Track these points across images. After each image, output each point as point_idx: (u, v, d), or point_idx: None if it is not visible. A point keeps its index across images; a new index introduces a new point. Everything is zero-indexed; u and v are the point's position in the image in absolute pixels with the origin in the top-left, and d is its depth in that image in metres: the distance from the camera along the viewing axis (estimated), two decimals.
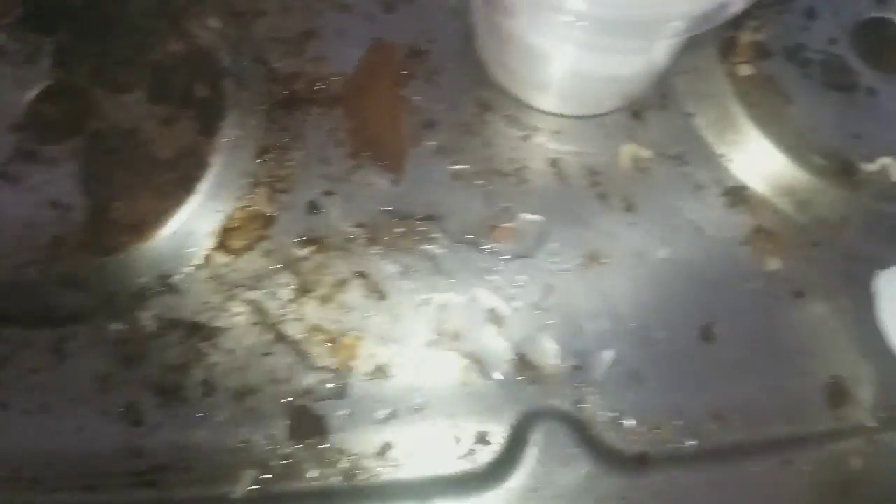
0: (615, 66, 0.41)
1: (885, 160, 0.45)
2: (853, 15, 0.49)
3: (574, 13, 0.33)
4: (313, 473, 0.39)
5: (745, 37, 0.47)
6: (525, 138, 0.46)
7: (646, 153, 0.46)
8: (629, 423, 0.40)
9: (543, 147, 0.45)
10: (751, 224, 0.44)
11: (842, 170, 0.45)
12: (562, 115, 0.46)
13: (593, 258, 0.43)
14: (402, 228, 0.43)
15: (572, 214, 0.44)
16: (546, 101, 0.46)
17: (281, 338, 0.41)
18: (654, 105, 0.47)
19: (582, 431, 0.40)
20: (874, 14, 0.49)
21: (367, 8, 0.48)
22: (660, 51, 0.41)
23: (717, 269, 0.43)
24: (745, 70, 0.47)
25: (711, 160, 0.46)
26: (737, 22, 0.45)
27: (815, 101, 0.46)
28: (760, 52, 0.47)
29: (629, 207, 0.44)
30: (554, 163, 0.45)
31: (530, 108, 0.46)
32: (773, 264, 0.43)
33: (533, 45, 0.39)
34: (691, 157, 0.46)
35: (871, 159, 0.45)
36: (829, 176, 0.44)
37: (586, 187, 0.45)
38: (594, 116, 0.46)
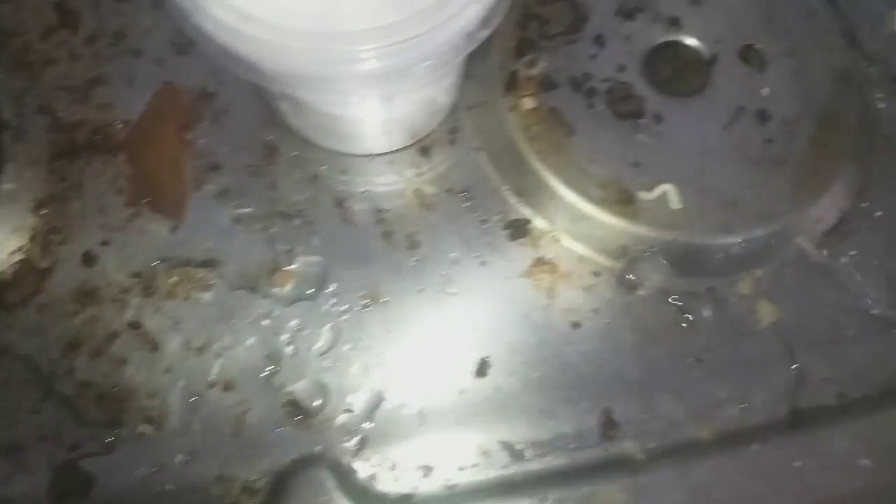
0: (394, 108, 0.42)
1: (664, 187, 0.46)
2: (644, 40, 0.49)
3: (332, 79, 0.35)
4: None
5: (530, 69, 0.48)
6: (312, 179, 0.46)
7: (432, 189, 0.46)
8: (397, 464, 0.41)
9: (330, 187, 0.46)
10: (532, 256, 0.45)
11: (620, 199, 0.45)
12: (350, 154, 0.46)
13: (374, 298, 0.44)
14: (177, 277, 0.43)
15: (355, 255, 0.44)
16: (333, 141, 0.46)
17: (51, 394, 0.40)
18: (443, 140, 0.47)
19: (346, 476, 0.40)
20: (666, 38, 0.49)
21: (157, 52, 0.48)
22: (434, 88, 0.43)
23: (497, 303, 0.44)
24: (529, 103, 0.47)
25: (496, 194, 0.46)
26: (522, 53, 0.46)
27: (598, 130, 0.47)
28: (545, 84, 0.48)
29: (413, 245, 0.45)
30: (339, 203, 0.45)
31: (318, 147, 0.46)
32: (553, 296, 0.44)
33: (308, 101, 0.40)
34: (477, 191, 0.46)
35: (650, 188, 0.46)
36: (607, 206, 0.45)
37: (371, 226, 0.45)
38: (383, 154, 0.46)
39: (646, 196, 0.45)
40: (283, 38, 0.32)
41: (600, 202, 0.45)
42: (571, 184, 0.46)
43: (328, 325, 0.43)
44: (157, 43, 0.48)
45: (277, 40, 0.32)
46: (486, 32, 0.36)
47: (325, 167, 0.46)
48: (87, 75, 0.47)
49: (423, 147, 0.47)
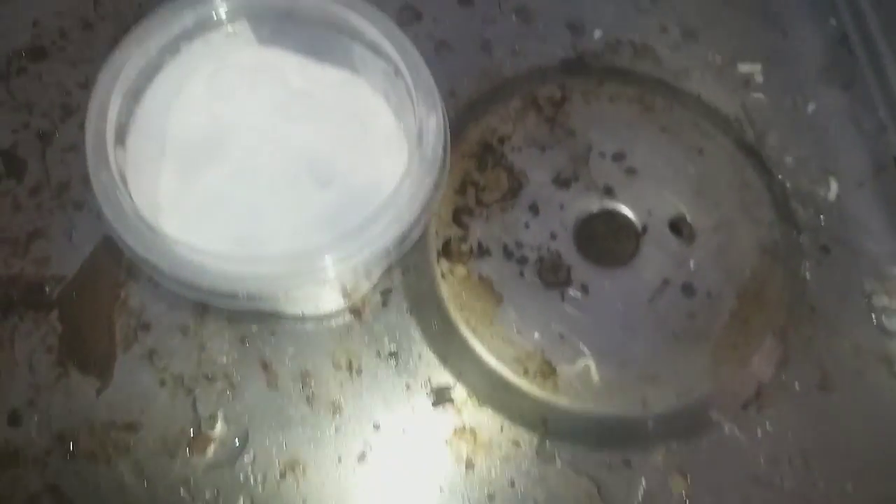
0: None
1: (585, 361, 0.47)
2: (577, 209, 0.51)
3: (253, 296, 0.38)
4: None
5: (465, 237, 0.49)
6: (241, 340, 0.47)
7: (360, 351, 0.47)
8: None
9: (258, 349, 0.47)
10: (453, 423, 0.46)
11: (542, 371, 0.46)
12: (281, 316, 0.47)
13: (291, 467, 0.44)
14: (99, 440, 0.43)
15: (277, 420, 0.45)
16: (265, 303, 0.47)
17: None
18: (376, 302, 0.48)
19: None
20: (599, 207, 0.51)
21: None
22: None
23: (415, 472, 0.45)
24: (461, 271, 0.49)
25: (423, 359, 0.47)
26: (458, 221, 0.48)
27: (526, 300, 0.48)
28: (478, 252, 0.49)
29: (336, 409, 0.46)
30: (266, 365, 0.46)
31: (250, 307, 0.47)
32: (471, 465, 0.45)
33: None
34: (405, 356, 0.47)
35: (572, 360, 0.47)
36: (530, 377, 0.46)
37: (296, 391, 0.46)
38: (313, 317, 0.47)
39: (567, 369, 0.46)
40: (200, 257, 0.33)
41: (523, 373, 0.46)
42: (496, 353, 0.47)
43: (243, 494, 0.43)
44: None
45: (194, 259, 0.33)
46: (407, 245, 0.37)
47: (255, 328, 0.47)
48: (27, 228, 0.48)
49: (354, 310, 0.48)
